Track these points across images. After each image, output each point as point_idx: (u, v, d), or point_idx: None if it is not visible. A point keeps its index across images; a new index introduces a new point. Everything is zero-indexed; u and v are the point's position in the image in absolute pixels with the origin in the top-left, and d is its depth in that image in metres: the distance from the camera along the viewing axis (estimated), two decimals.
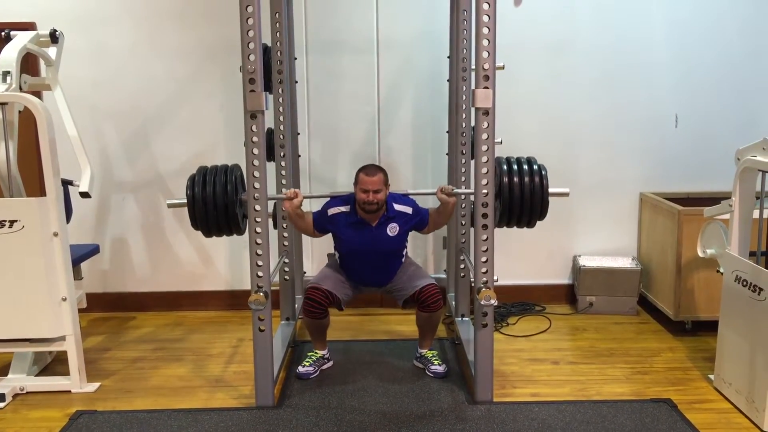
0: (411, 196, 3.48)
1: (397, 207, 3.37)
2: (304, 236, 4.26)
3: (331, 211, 3.37)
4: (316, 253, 4.45)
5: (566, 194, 3.20)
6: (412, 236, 3.55)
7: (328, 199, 3.44)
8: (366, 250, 3.36)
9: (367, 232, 3.33)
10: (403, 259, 3.49)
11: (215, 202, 3.04)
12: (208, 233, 3.15)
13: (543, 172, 3.12)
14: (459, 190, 3.35)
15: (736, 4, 4.27)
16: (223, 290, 4.52)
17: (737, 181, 3.13)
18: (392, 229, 3.35)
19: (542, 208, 3.14)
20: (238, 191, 3.12)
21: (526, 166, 3.12)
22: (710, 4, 4.27)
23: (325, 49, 4.28)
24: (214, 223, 3.10)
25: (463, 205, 3.86)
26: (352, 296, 3.51)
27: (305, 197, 3.31)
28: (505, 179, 3.09)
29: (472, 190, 3.20)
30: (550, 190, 3.11)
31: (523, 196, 3.09)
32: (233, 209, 3.09)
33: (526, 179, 3.09)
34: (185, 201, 3.08)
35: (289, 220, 3.51)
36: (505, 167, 3.12)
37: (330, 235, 3.46)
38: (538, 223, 4.44)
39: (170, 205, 3.17)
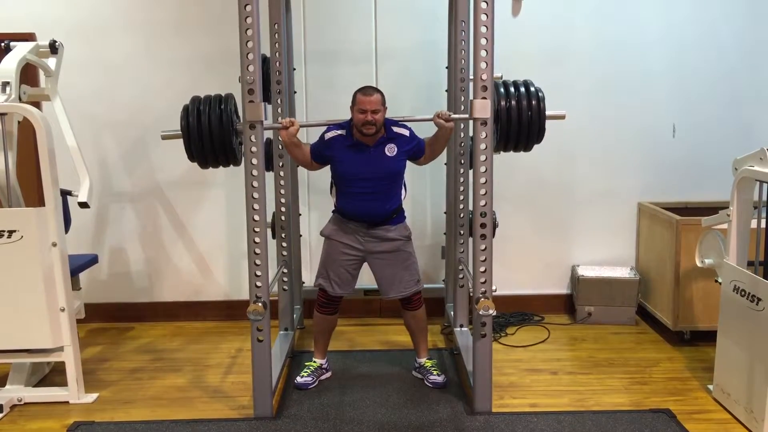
0: (408, 124, 3.38)
1: (395, 129, 3.31)
2: (302, 245, 4.27)
3: (329, 135, 3.30)
4: (315, 264, 4.42)
5: (562, 117, 3.13)
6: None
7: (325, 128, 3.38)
8: (364, 172, 3.26)
9: (365, 153, 3.25)
10: (402, 197, 3.40)
11: (211, 133, 2.98)
12: (204, 164, 3.09)
13: (540, 95, 3.06)
14: (455, 116, 3.25)
15: (732, 13, 4.29)
16: (221, 300, 4.51)
17: (735, 191, 3.14)
18: (390, 150, 3.27)
19: (539, 131, 3.08)
20: (233, 121, 3.05)
21: (523, 89, 3.07)
22: (706, 14, 4.30)
23: (323, 60, 4.30)
24: (210, 153, 3.03)
25: (462, 215, 3.87)
26: (357, 273, 3.46)
27: (302, 125, 3.27)
28: (503, 103, 3.03)
29: (467, 115, 3.12)
30: (547, 112, 3.06)
31: (520, 120, 3.03)
32: (229, 139, 3.02)
33: (524, 102, 3.03)
34: (180, 132, 3.02)
35: (286, 150, 3.45)
36: (502, 90, 3.06)
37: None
38: (536, 232, 4.52)
39: (164, 137, 3.11)
